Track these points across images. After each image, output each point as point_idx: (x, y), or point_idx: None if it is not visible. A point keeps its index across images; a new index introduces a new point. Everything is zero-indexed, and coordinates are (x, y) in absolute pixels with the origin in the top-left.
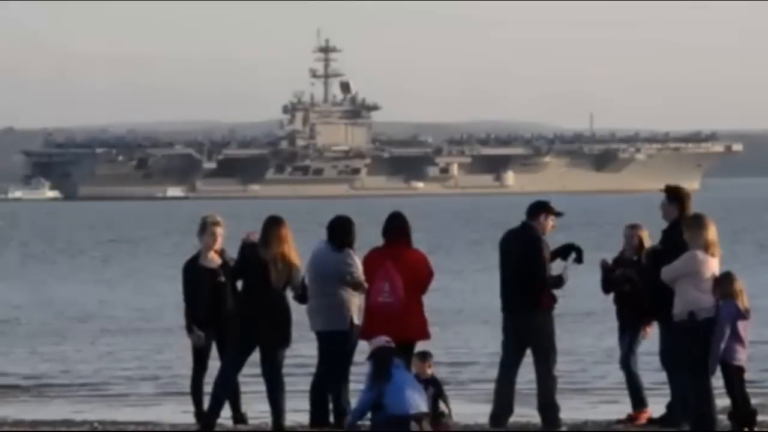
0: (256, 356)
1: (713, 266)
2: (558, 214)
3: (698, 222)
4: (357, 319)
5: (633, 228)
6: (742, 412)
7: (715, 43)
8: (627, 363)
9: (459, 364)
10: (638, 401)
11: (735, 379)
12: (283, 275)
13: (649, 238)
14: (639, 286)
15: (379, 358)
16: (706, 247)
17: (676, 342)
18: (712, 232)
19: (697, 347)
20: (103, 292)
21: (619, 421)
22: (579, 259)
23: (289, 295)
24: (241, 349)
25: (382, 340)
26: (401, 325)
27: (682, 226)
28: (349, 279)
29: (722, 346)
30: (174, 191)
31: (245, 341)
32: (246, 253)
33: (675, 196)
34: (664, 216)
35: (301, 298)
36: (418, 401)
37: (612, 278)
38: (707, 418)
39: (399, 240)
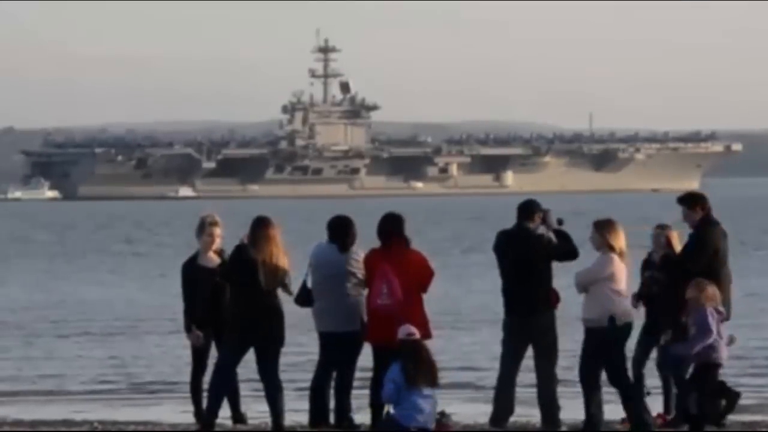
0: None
1: (625, 272)
2: (545, 210)
3: (610, 226)
4: (365, 320)
5: (661, 229)
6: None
7: (715, 43)
8: (663, 366)
9: (460, 366)
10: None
11: (711, 375)
12: (272, 276)
13: (679, 240)
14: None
15: (409, 352)
16: (612, 251)
17: (594, 348)
18: (621, 239)
19: (615, 353)
20: (126, 292)
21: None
22: (560, 221)
23: (283, 295)
24: (235, 348)
25: (406, 331)
26: (401, 326)
27: (594, 226)
28: (358, 278)
29: (698, 348)
30: (185, 191)
31: (238, 341)
32: (236, 254)
33: (692, 201)
34: (690, 223)
35: (303, 302)
36: (426, 418)
37: (641, 281)
38: (595, 420)
39: (395, 241)
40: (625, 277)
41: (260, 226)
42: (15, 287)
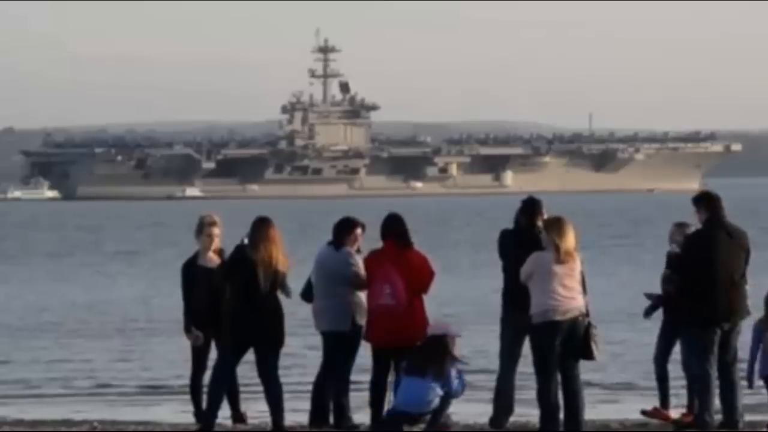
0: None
1: (561, 272)
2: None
3: (558, 225)
4: (360, 320)
5: (679, 227)
6: None
7: (716, 42)
8: (661, 361)
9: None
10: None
11: None
12: (271, 276)
13: None
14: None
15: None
16: (557, 253)
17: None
18: (567, 240)
19: (531, 350)
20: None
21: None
22: None
23: (281, 295)
24: (234, 349)
25: (442, 328)
26: (403, 327)
27: (543, 224)
28: (350, 279)
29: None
30: (192, 191)
31: (237, 342)
32: (235, 255)
33: (697, 201)
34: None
35: (307, 297)
36: (409, 402)
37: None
38: (551, 416)
39: (398, 241)
40: (561, 276)
41: (260, 226)
42: (24, 288)
